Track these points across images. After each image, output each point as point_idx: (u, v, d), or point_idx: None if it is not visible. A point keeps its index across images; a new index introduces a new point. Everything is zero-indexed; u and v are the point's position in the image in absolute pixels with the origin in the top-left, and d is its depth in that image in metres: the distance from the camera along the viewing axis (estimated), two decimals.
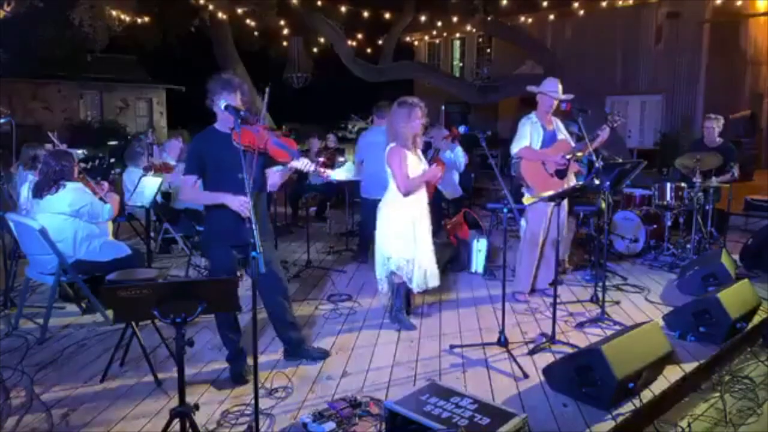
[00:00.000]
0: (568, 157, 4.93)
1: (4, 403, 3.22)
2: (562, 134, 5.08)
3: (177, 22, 15.92)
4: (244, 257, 3.46)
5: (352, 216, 7.71)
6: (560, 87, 4.96)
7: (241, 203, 3.22)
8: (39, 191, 4.33)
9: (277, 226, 7.17)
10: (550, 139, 4.98)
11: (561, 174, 4.96)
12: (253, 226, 2.68)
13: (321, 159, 4.66)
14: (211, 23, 15.76)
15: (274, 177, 3.69)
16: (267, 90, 4.32)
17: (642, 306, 4.95)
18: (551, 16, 16.03)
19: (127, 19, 13.88)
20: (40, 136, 7.18)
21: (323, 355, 3.89)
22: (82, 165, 4.91)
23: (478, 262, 5.90)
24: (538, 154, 4.91)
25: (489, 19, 14.80)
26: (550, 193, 4.33)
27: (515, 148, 4.94)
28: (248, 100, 3.48)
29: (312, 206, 8.78)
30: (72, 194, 4.32)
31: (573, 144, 5.05)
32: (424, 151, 7.96)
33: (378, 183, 6.23)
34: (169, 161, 7.15)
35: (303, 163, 3.49)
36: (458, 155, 7.52)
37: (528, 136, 4.91)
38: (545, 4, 13.98)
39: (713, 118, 6.66)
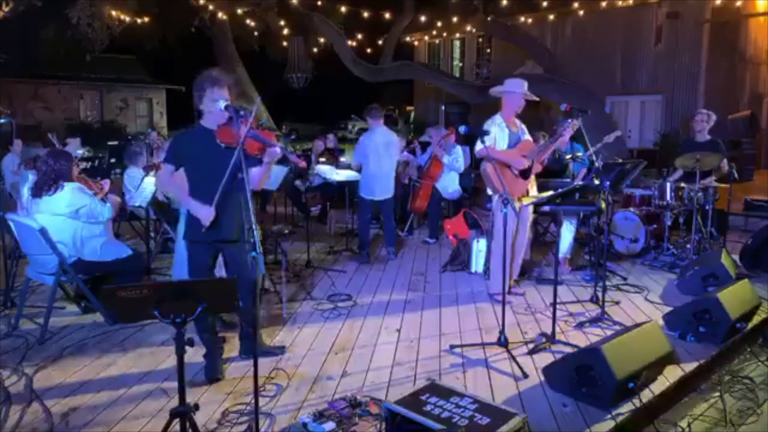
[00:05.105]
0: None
1: (4, 403, 3.22)
2: (527, 136, 5.09)
3: (177, 22, 15.94)
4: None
5: (352, 216, 7.71)
6: (525, 85, 4.93)
7: (206, 214, 3.31)
8: (37, 191, 4.32)
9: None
10: (516, 141, 4.96)
11: (525, 174, 4.94)
12: (253, 227, 2.68)
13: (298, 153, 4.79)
14: (211, 23, 15.78)
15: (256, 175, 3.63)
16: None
17: (642, 306, 4.94)
18: (551, 16, 16.06)
19: (127, 19, 13.89)
20: (41, 136, 7.19)
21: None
22: (83, 165, 4.90)
23: (478, 262, 5.90)
24: (501, 155, 4.85)
25: (489, 19, 14.84)
26: (550, 193, 4.32)
27: (478, 147, 4.75)
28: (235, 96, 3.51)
29: (313, 205, 8.76)
30: (70, 195, 4.30)
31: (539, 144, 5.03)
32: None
33: (377, 184, 6.26)
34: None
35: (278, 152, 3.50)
36: (458, 155, 7.51)
37: (493, 136, 4.84)
38: (545, 4, 14.00)
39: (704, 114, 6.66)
